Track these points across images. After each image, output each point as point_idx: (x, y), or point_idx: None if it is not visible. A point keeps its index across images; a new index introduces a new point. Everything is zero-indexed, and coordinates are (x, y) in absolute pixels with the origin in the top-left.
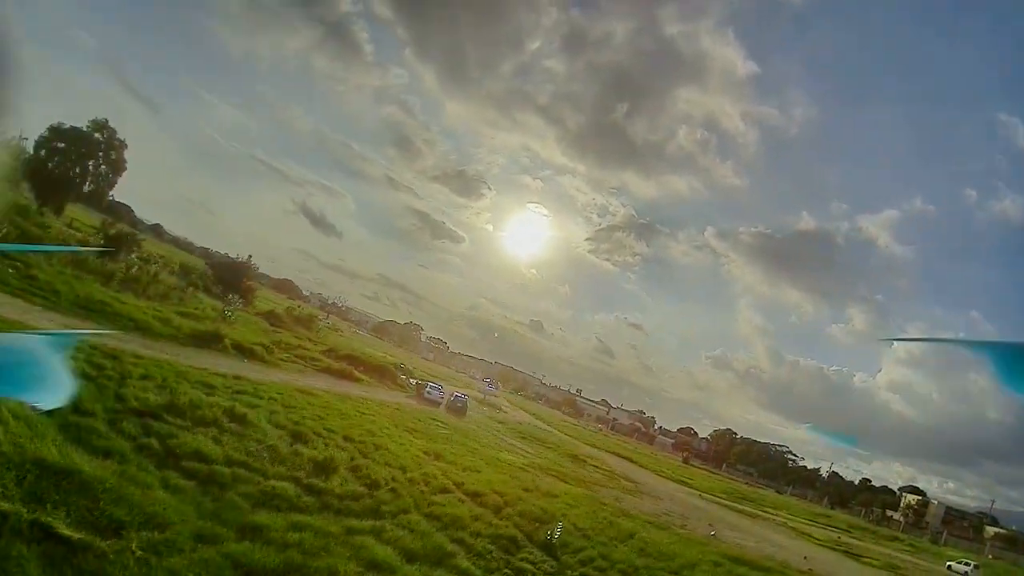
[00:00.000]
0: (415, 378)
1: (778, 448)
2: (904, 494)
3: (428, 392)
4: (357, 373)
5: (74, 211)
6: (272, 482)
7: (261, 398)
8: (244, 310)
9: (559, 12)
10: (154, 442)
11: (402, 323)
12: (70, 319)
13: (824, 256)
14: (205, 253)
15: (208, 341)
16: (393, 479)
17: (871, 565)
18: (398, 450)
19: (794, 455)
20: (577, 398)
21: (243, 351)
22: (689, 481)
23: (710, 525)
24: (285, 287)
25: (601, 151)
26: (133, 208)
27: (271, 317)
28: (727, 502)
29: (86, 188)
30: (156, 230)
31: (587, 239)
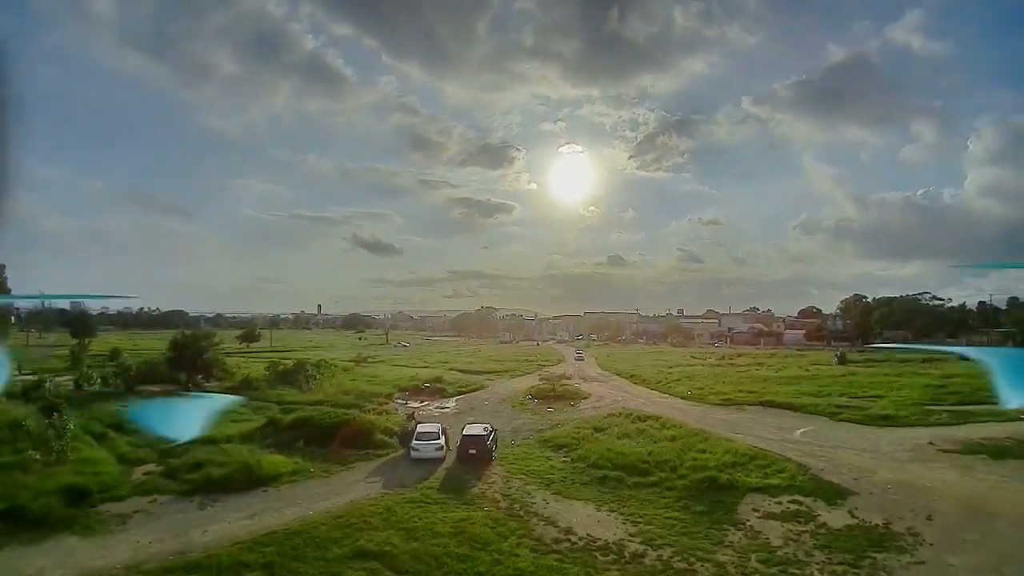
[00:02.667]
0: (418, 417)
1: (917, 297)
2: None
3: (415, 448)
4: (268, 471)
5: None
6: None
7: None
8: (210, 388)
9: None
10: None
11: (474, 311)
12: None
13: (867, 80)
14: (271, 321)
15: None
16: None
17: None
18: None
19: (940, 298)
20: (681, 320)
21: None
22: (886, 413)
23: None
24: (354, 321)
25: (608, 66)
26: (186, 310)
27: (239, 389)
28: (957, 432)
29: None
30: (216, 321)
31: (630, 157)
